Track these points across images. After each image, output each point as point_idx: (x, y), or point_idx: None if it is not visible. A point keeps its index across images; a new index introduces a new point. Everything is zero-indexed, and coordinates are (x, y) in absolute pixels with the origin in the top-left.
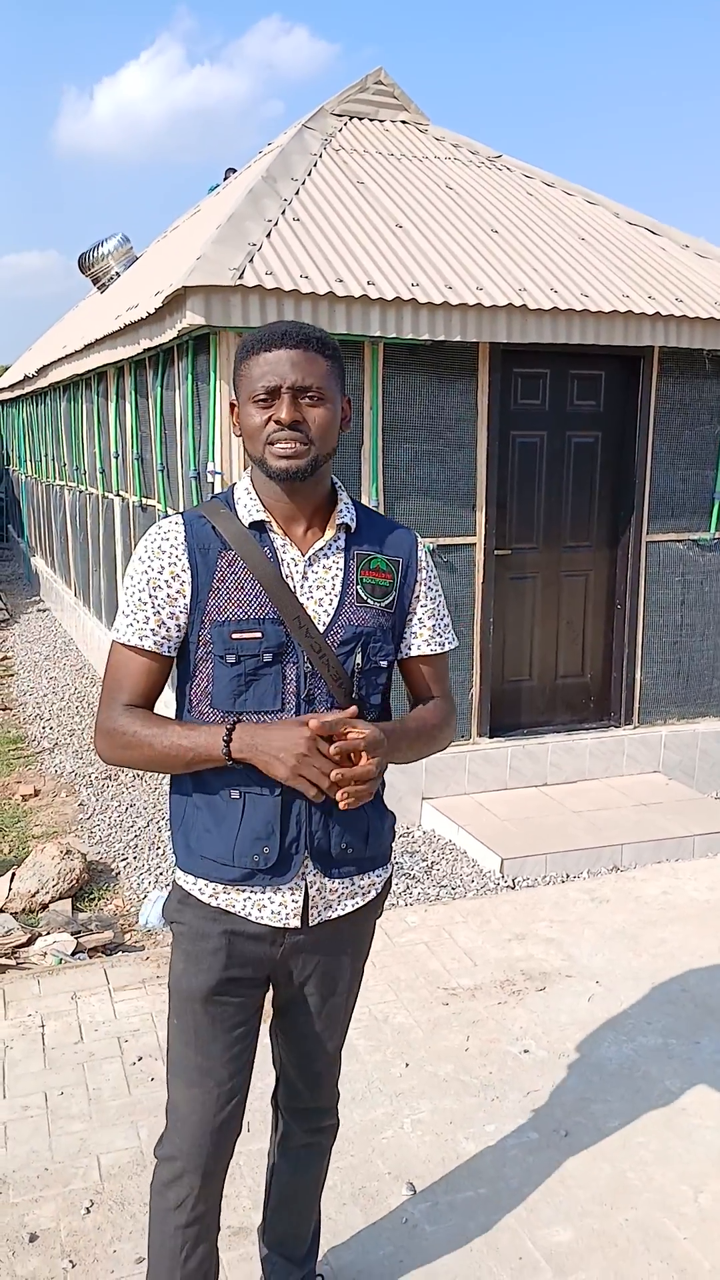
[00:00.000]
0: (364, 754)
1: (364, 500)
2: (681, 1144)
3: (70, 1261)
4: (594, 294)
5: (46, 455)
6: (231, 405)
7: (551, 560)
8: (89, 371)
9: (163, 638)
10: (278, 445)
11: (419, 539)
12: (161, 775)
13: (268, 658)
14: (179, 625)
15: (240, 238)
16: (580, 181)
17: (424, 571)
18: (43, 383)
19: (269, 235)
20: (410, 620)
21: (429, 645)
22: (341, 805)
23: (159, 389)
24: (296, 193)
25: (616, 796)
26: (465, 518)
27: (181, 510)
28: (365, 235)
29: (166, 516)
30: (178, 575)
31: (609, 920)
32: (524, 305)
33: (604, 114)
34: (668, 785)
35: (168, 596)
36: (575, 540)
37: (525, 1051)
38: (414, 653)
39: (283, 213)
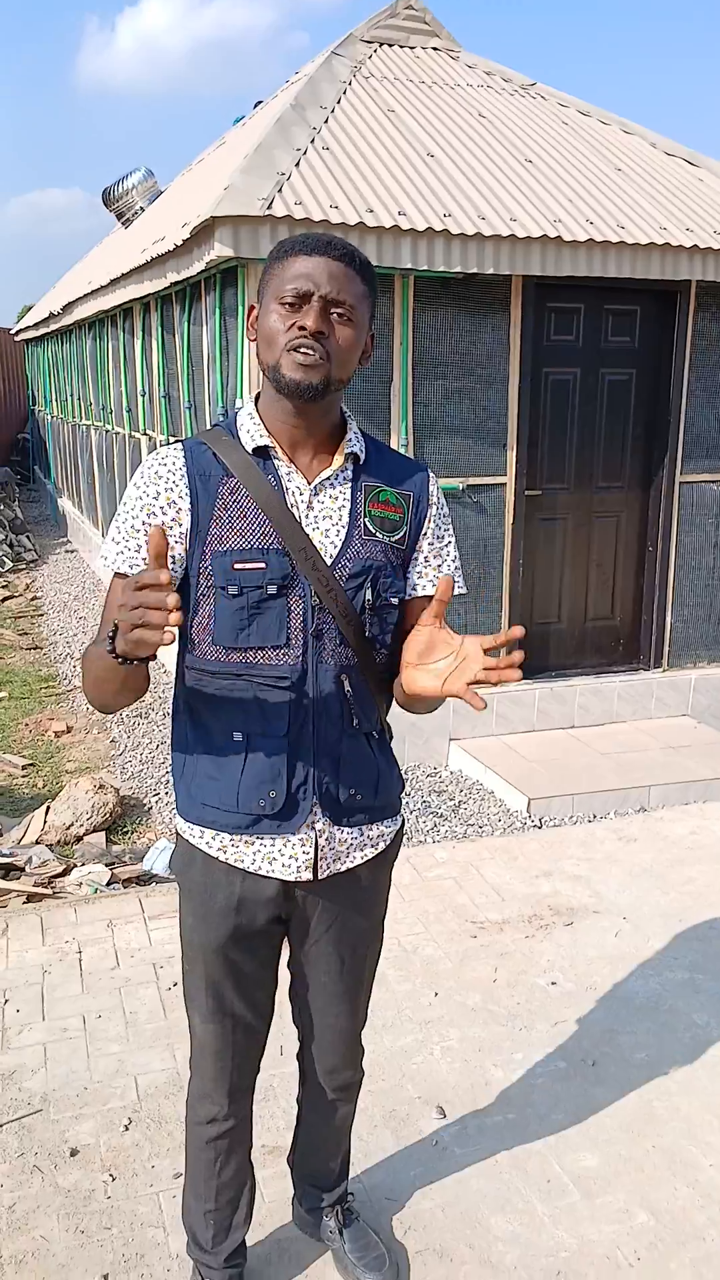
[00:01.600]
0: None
1: (393, 440)
2: (708, 1076)
3: (110, 1175)
4: (630, 226)
5: (73, 395)
6: (250, 308)
7: (583, 501)
8: (115, 308)
9: None
10: (297, 353)
11: (431, 474)
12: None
13: (271, 590)
14: (175, 556)
15: (269, 167)
16: (616, 112)
17: (434, 508)
18: (68, 320)
19: (298, 165)
20: (418, 558)
21: (434, 585)
22: (163, 577)
23: (186, 325)
24: (325, 121)
25: (644, 739)
26: (496, 457)
27: (183, 439)
28: (396, 165)
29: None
30: (174, 503)
31: (636, 859)
32: (559, 237)
33: (639, 44)
34: (696, 729)
35: (163, 524)
36: (607, 481)
37: (553, 984)
38: (419, 593)
39: (312, 141)
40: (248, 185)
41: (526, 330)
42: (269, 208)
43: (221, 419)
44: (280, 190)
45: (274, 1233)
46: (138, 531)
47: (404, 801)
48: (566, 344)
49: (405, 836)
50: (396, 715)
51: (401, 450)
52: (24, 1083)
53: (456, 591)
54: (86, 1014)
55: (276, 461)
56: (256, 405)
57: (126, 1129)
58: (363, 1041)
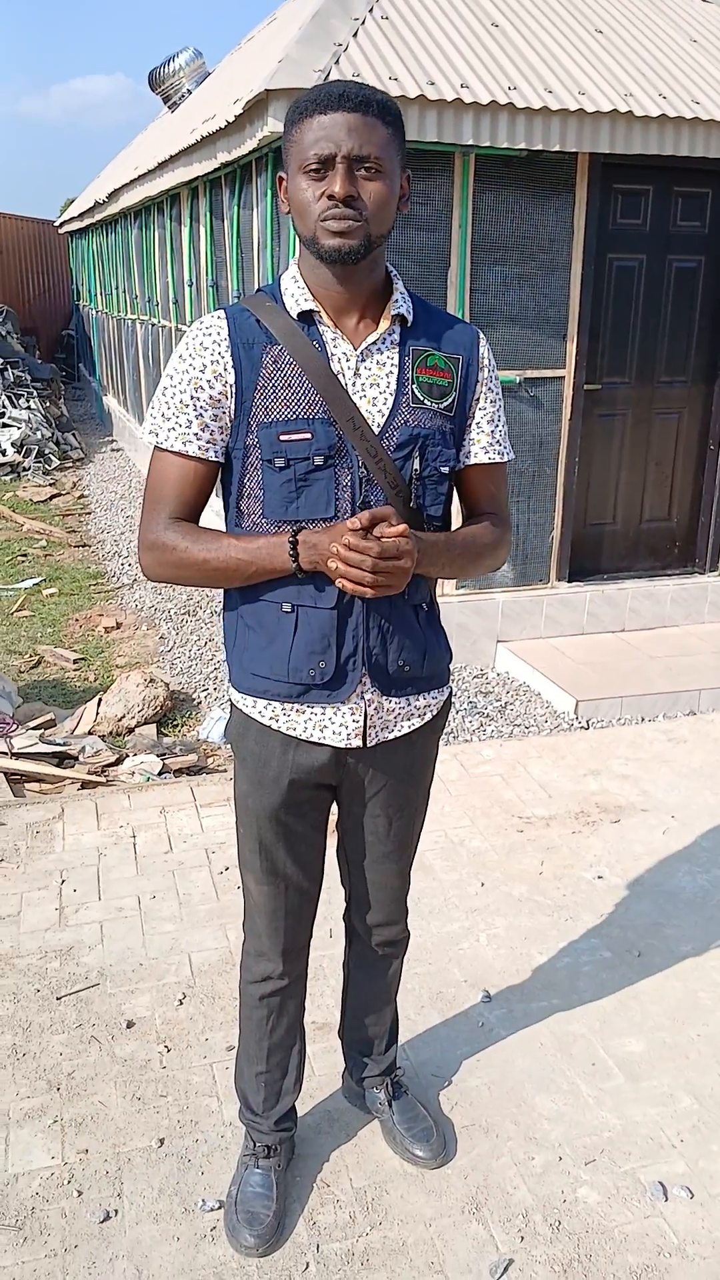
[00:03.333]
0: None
1: None
2: None
3: (165, 1046)
4: (706, 101)
5: (118, 288)
6: (279, 179)
7: (644, 397)
8: (161, 194)
9: (207, 441)
10: (330, 222)
11: (481, 335)
12: None
13: (319, 460)
14: (223, 428)
15: (325, 37)
16: None
17: (485, 371)
18: (113, 209)
19: (355, 35)
20: (469, 425)
21: (488, 453)
22: (369, 592)
23: (236, 209)
24: None
25: (696, 643)
26: (555, 349)
27: (225, 306)
28: (458, 35)
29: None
30: (220, 375)
31: (686, 760)
32: (629, 111)
33: None
34: None
35: (211, 398)
36: (670, 375)
37: (599, 878)
38: (472, 460)
39: (370, 11)
40: (303, 56)
41: (592, 213)
42: (326, 79)
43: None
44: (337, 62)
45: (322, 1103)
46: (187, 407)
47: (450, 699)
48: (633, 228)
49: (451, 734)
50: (444, 617)
51: None
52: (82, 958)
53: (508, 456)
54: (141, 894)
55: (322, 327)
56: (300, 269)
57: (181, 1003)
58: (410, 926)
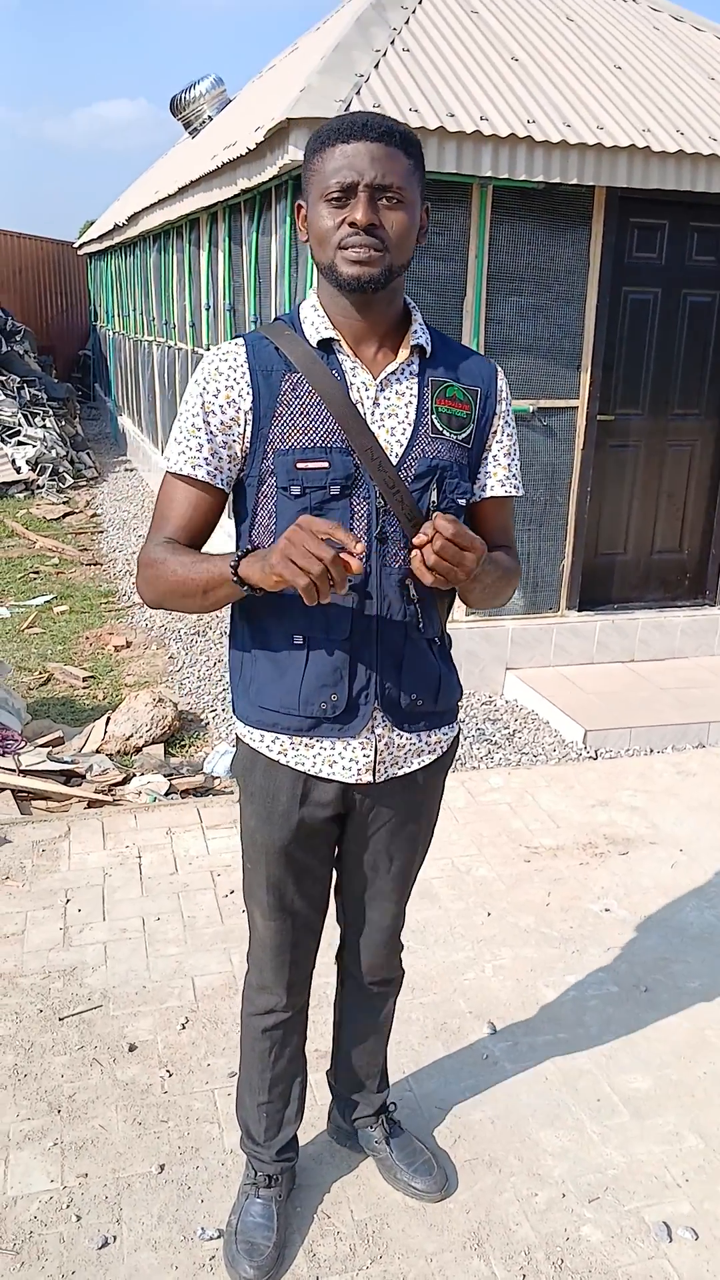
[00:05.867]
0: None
1: None
2: None
3: (167, 1071)
4: None
5: (135, 310)
6: (298, 207)
7: (657, 428)
8: (181, 218)
9: (215, 468)
10: (350, 250)
11: (499, 369)
12: None
13: (335, 490)
14: (233, 455)
15: (347, 68)
16: (711, 18)
17: (503, 404)
18: (133, 232)
19: (377, 66)
20: (486, 457)
21: (504, 486)
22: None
23: (255, 235)
24: (406, 21)
25: (706, 676)
26: (569, 379)
27: (244, 333)
28: (479, 68)
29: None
30: (234, 401)
31: (695, 793)
32: (647, 147)
33: None
34: None
35: (222, 423)
36: (684, 408)
37: (606, 910)
38: (488, 493)
39: (391, 43)
40: (325, 86)
41: (608, 246)
42: (346, 109)
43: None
44: (358, 92)
45: (324, 1133)
46: (199, 431)
47: (459, 735)
48: (648, 262)
49: (459, 761)
50: (453, 643)
51: None
52: (85, 979)
53: (520, 491)
54: (146, 916)
55: (341, 356)
56: (319, 296)
57: (184, 1027)
58: (415, 955)
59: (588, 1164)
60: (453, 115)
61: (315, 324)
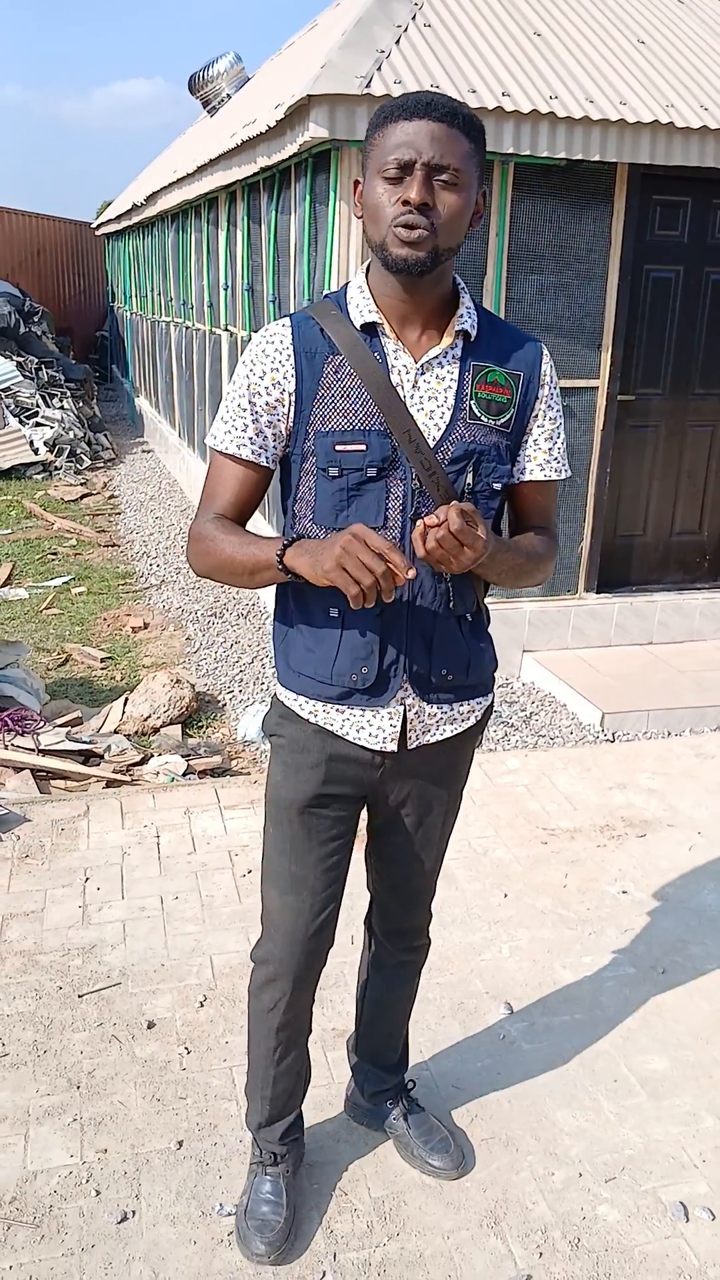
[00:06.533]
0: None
1: None
2: None
3: (185, 1048)
4: None
5: (153, 290)
6: (355, 183)
7: (677, 408)
8: (199, 198)
9: (260, 446)
10: (401, 229)
11: (545, 351)
12: (266, 612)
13: (371, 472)
14: (277, 434)
15: (368, 44)
16: None
17: (546, 388)
18: (151, 212)
19: (398, 42)
20: (526, 441)
21: (544, 470)
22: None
23: (274, 214)
24: None
25: None
26: (589, 359)
27: (291, 313)
28: (500, 44)
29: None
30: (279, 383)
31: (713, 776)
32: (671, 123)
33: None
34: None
35: (267, 404)
36: (705, 387)
37: (624, 892)
38: (527, 477)
39: (413, 18)
40: (346, 62)
41: (630, 224)
42: (367, 86)
43: (331, 292)
44: (379, 68)
45: (343, 1112)
46: (244, 411)
47: (492, 705)
48: (671, 240)
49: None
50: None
51: None
52: (104, 956)
53: (564, 474)
54: (164, 895)
55: (384, 339)
56: (367, 278)
57: (202, 1005)
58: (432, 935)
59: (605, 1144)
60: (474, 91)
61: (360, 306)
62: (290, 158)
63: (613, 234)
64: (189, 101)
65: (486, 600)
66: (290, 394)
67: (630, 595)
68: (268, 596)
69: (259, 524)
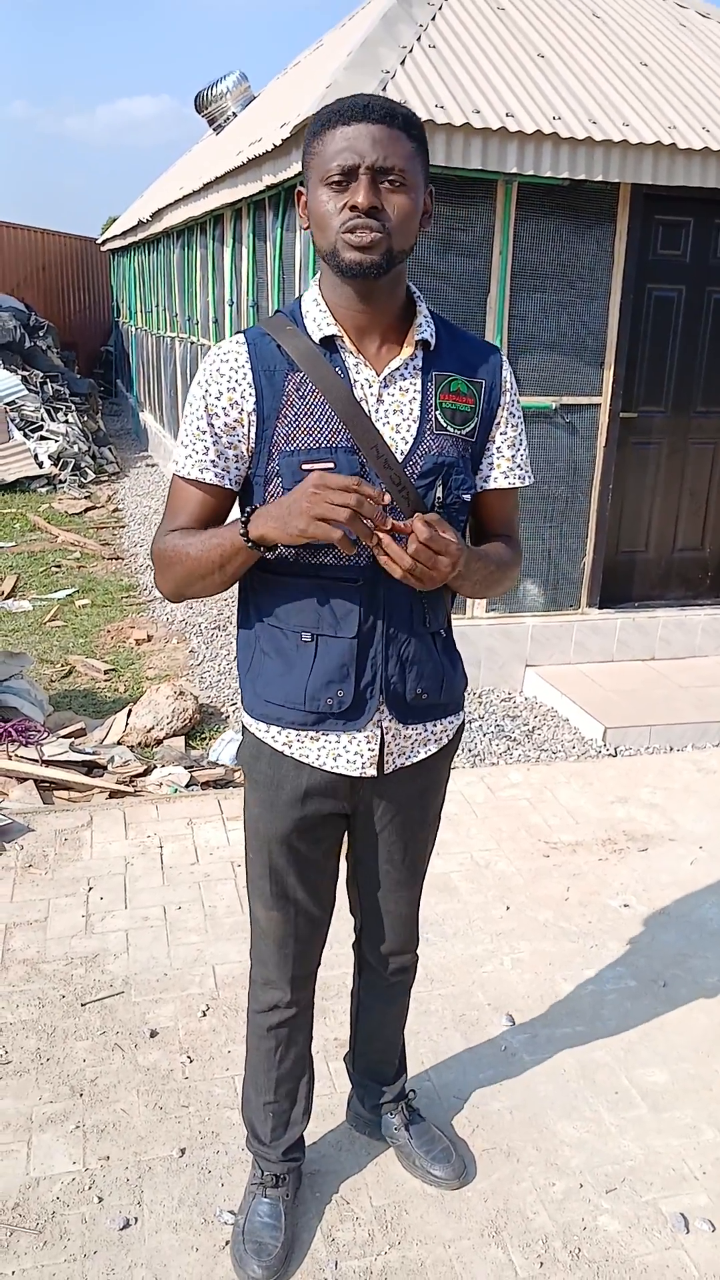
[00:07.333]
0: (431, 539)
1: None
2: None
3: (188, 1057)
4: None
5: (158, 306)
6: (298, 193)
7: (679, 426)
8: (205, 214)
9: (222, 470)
10: (351, 234)
11: (503, 357)
12: None
13: None
14: (239, 455)
15: (374, 64)
16: None
17: (508, 394)
18: (156, 228)
19: (403, 63)
20: (490, 449)
21: (508, 478)
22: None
23: (279, 231)
24: (433, 18)
25: None
26: (592, 376)
27: (244, 329)
28: (505, 65)
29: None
30: (236, 402)
31: (715, 790)
32: (673, 144)
33: None
34: None
35: (226, 425)
36: (707, 405)
37: (625, 906)
38: (491, 485)
39: (418, 39)
40: (351, 82)
41: (632, 243)
42: None
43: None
44: (384, 88)
45: (344, 1121)
46: (204, 434)
47: (476, 724)
48: (673, 259)
49: (478, 757)
50: (473, 640)
51: None
52: (107, 966)
53: (527, 481)
54: (167, 905)
55: (344, 352)
56: (320, 289)
57: (204, 1015)
58: (433, 946)
59: (605, 1155)
60: (478, 112)
61: (317, 319)
62: (296, 176)
63: (615, 253)
64: (194, 119)
65: (489, 617)
66: (250, 413)
67: (633, 611)
68: None
69: None
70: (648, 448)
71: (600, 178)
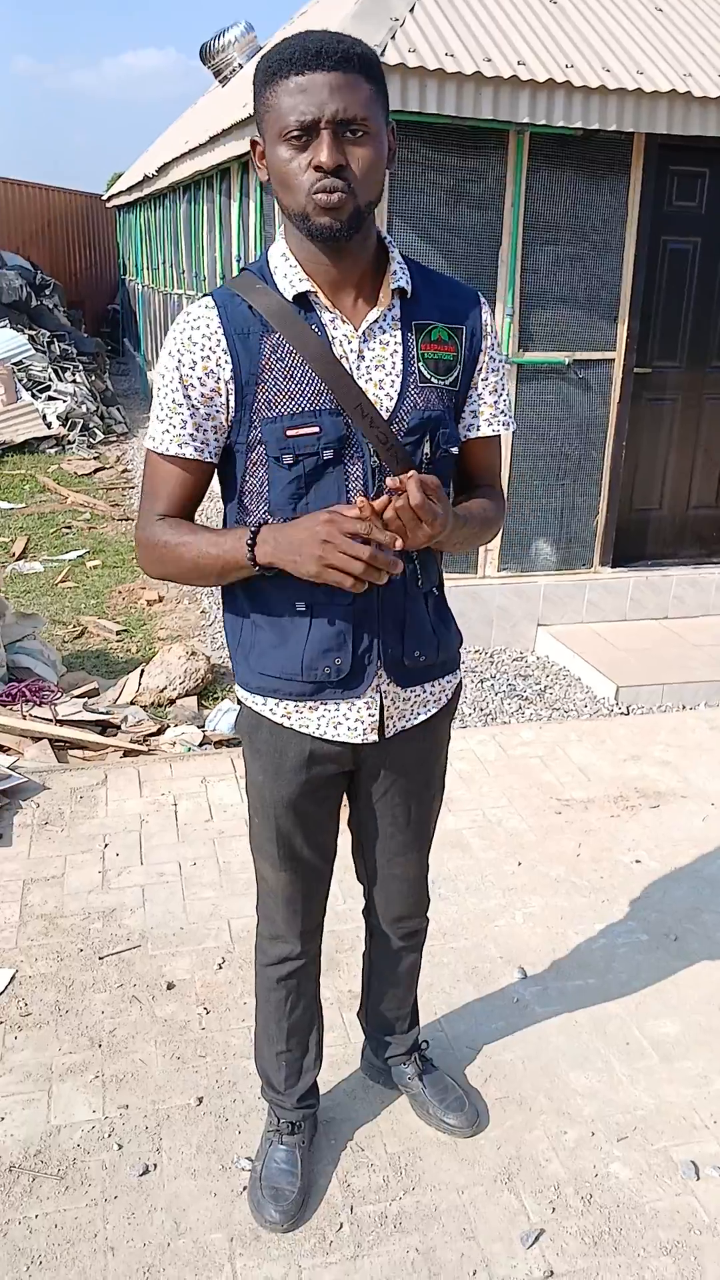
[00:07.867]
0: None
1: (498, 308)
2: None
3: (204, 1008)
4: None
5: (165, 262)
6: (253, 144)
7: (694, 381)
8: (211, 168)
9: (202, 443)
10: (321, 195)
11: (482, 299)
12: None
13: (328, 455)
14: (217, 426)
15: (382, 12)
16: None
17: (489, 339)
18: (162, 183)
19: (412, 10)
20: (471, 395)
21: (490, 425)
22: (397, 544)
23: None
24: None
25: None
26: (605, 331)
27: (211, 291)
28: (516, 12)
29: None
30: (212, 371)
31: None
32: (688, 92)
33: None
34: None
35: (203, 396)
36: None
37: (637, 862)
38: (475, 434)
39: None
40: (360, 31)
41: (647, 194)
42: (382, 54)
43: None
44: (394, 37)
45: (358, 1070)
46: (180, 407)
47: (488, 683)
48: (688, 211)
49: (490, 715)
50: (485, 599)
51: (507, 323)
52: (123, 920)
53: (510, 428)
54: (182, 861)
55: (319, 309)
56: (288, 242)
57: (220, 967)
58: (446, 900)
59: (617, 1104)
60: (489, 60)
61: (288, 275)
62: None
63: (629, 204)
64: (200, 72)
65: (501, 577)
66: (227, 381)
67: (646, 569)
68: None
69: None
70: (662, 404)
71: (614, 127)
